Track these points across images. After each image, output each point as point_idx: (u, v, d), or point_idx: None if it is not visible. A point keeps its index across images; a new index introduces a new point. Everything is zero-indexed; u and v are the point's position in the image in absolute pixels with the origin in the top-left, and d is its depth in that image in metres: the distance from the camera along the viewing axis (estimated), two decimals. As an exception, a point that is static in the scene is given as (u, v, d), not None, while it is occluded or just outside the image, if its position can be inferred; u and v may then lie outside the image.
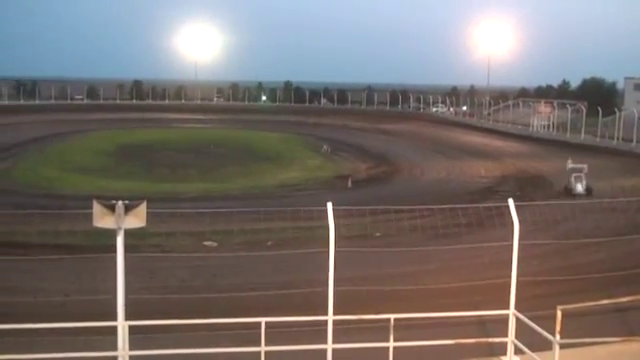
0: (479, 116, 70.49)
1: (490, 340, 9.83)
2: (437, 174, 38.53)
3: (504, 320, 9.48)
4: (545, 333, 8.51)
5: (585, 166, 32.35)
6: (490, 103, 71.89)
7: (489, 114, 70.05)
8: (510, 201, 9.62)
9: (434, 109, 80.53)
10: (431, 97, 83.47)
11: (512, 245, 9.37)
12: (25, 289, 15.01)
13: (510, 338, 9.38)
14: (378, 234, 20.24)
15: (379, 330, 9.43)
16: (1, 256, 17.29)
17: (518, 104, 69.43)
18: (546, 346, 8.55)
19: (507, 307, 9.45)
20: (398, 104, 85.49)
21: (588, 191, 31.14)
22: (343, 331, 9.52)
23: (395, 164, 43.62)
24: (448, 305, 11.52)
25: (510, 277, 9.45)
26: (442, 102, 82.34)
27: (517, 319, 9.32)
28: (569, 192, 31.32)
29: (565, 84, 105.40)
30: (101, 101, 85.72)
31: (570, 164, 32.90)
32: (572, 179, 31.94)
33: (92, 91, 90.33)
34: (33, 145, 50.64)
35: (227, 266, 17.49)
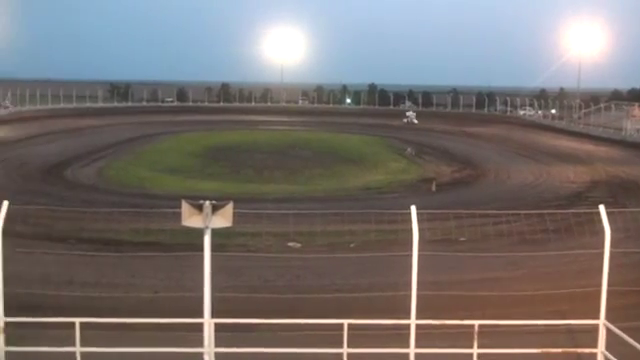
0: (569, 119, 68.45)
1: (579, 351, 9.57)
2: (524, 178, 37.62)
3: (593, 330, 9.20)
4: (638, 345, 8.22)
5: (413, 113, 74.20)
6: (580, 106, 69.74)
7: (579, 117, 67.93)
8: (601, 207, 9.33)
9: (522, 112, 78.64)
10: (519, 99, 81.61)
11: (603, 253, 9.09)
12: (117, 284, 15.56)
13: (600, 349, 9.11)
14: (463, 239, 19.94)
15: (462, 336, 9.32)
16: (96, 252, 18.05)
17: (610, 107, 67.00)
18: (638, 359, 8.26)
19: (596, 317, 9.17)
20: (484, 107, 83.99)
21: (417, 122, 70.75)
22: (425, 336, 9.45)
23: (481, 168, 42.86)
24: (534, 313, 11.26)
25: (600, 286, 9.17)
26: (530, 105, 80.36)
27: (607, 329, 9.02)
28: (410, 125, 69.80)
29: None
30: (190, 103, 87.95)
31: (411, 117, 73.05)
32: (408, 119, 72.29)
33: (182, 94, 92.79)
34: (126, 146, 52.47)
35: (310, 267, 17.61)
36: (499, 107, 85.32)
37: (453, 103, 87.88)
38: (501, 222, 20.46)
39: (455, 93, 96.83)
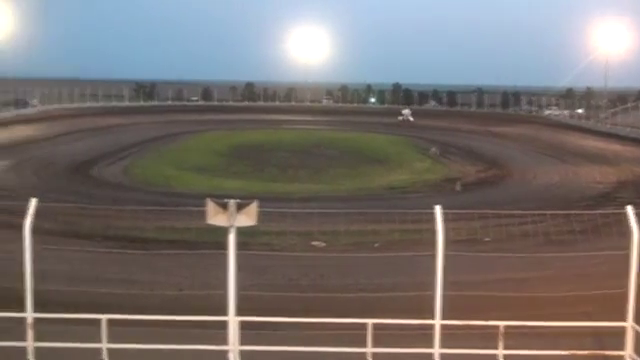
0: (596, 119, 67.73)
1: (606, 353, 9.46)
2: (550, 178, 37.31)
3: (621, 333, 9.10)
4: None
5: (409, 111, 77.73)
6: (607, 105, 68.97)
7: (606, 117, 67.18)
8: (628, 208, 9.23)
9: (547, 112, 78.00)
10: (544, 99, 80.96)
11: (630, 254, 8.99)
12: (143, 282, 15.70)
13: (627, 352, 9.01)
14: (487, 239, 19.82)
15: (487, 337, 9.27)
16: (122, 250, 18.21)
17: (638, 106, 66.17)
18: (666, 362, 8.15)
19: (624, 319, 9.07)
20: (509, 106, 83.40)
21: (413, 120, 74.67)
22: (450, 336, 9.41)
23: (506, 167, 42.60)
24: (560, 314, 11.15)
25: (627, 288, 9.06)
26: (556, 104, 79.64)
27: (635, 332, 8.92)
28: (406, 123, 73.55)
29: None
30: (215, 102, 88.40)
31: (406, 114, 76.69)
32: (403, 117, 75.95)
33: (207, 93, 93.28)
34: (151, 144, 52.92)
35: (334, 266, 17.62)
36: (524, 107, 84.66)
37: (478, 103, 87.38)
38: (526, 222, 20.27)
39: (480, 92, 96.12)
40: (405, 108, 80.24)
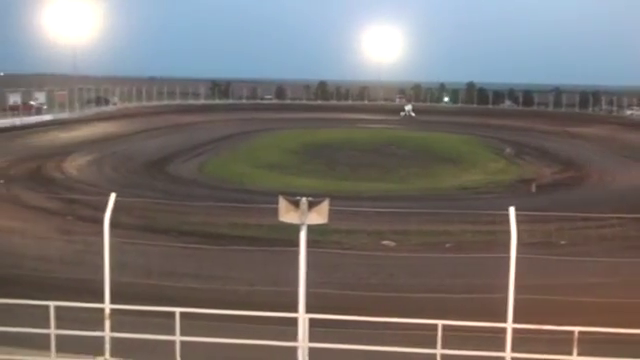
0: (681, 120, 65.12)
1: (685, 362, 9.13)
2: (630, 181, 36.08)
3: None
4: None
5: (410, 107, 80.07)
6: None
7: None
8: None
9: (628, 112, 75.39)
10: (625, 99, 78.29)
11: None
12: (216, 277, 16.01)
13: None
14: (563, 242, 19.38)
15: (560, 342, 9.06)
16: (196, 245, 18.63)
17: None
18: None
19: None
20: (588, 106, 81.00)
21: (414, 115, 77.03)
22: (521, 340, 9.25)
23: (583, 169, 41.44)
24: (636, 321, 10.81)
25: None
26: (637, 105, 76.90)
27: None
28: (408, 118, 76.84)
29: None
30: (288, 101, 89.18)
31: (408, 110, 79.44)
32: (405, 112, 78.41)
33: (280, 91, 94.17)
34: (225, 142, 53.81)
35: (404, 266, 17.56)
36: (604, 107, 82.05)
37: (556, 102, 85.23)
38: (604, 226, 19.72)
39: (558, 92, 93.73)
40: (407, 104, 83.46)
